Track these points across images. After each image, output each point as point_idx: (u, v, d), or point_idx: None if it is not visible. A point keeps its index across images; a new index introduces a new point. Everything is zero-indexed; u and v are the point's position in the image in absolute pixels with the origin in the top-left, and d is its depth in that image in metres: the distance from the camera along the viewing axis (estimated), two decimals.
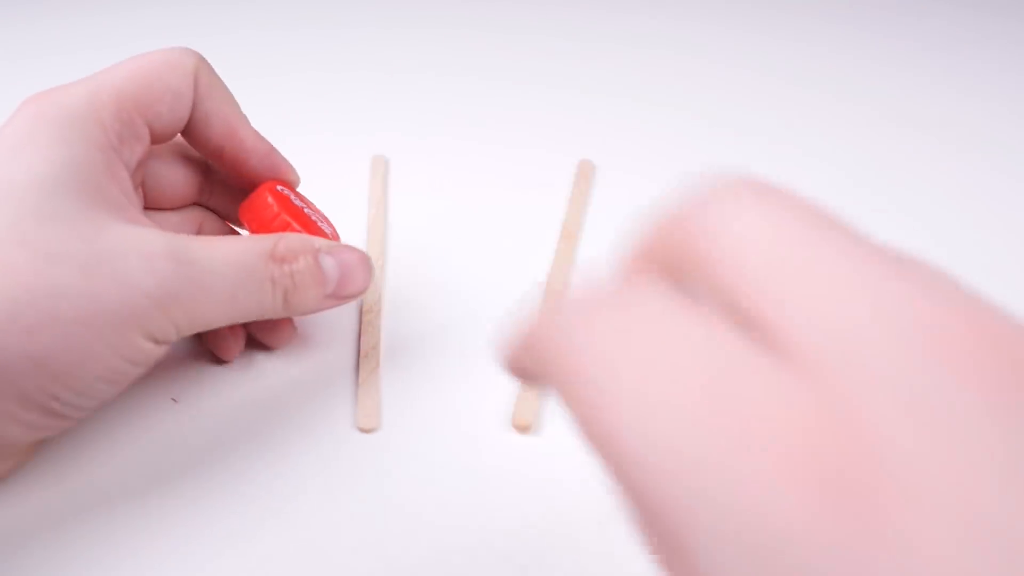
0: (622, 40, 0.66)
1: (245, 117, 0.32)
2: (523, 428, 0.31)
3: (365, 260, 0.31)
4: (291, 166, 0.32)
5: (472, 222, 0.43)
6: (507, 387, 0.33)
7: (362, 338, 0.35)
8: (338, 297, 0.30)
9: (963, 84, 0.62)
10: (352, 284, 0.30)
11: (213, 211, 0.34)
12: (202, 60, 0.30)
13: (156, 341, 0.26)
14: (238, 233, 0.35)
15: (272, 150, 0.32)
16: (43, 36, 0.61)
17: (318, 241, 0.29)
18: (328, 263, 0.29)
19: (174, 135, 0.30)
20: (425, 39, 0.65)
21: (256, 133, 0.32)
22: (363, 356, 0.34)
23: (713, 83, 0.60)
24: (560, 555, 0.27)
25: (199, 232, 0.33)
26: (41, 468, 0.29)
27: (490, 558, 0.27)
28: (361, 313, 0.36)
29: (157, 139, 0.29)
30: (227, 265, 0.26)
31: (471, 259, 0.40)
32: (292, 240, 0.28)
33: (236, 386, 0.33)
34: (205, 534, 0.27)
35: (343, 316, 0.36)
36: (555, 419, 0.32)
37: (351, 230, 0.40)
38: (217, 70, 0.30)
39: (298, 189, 0.33)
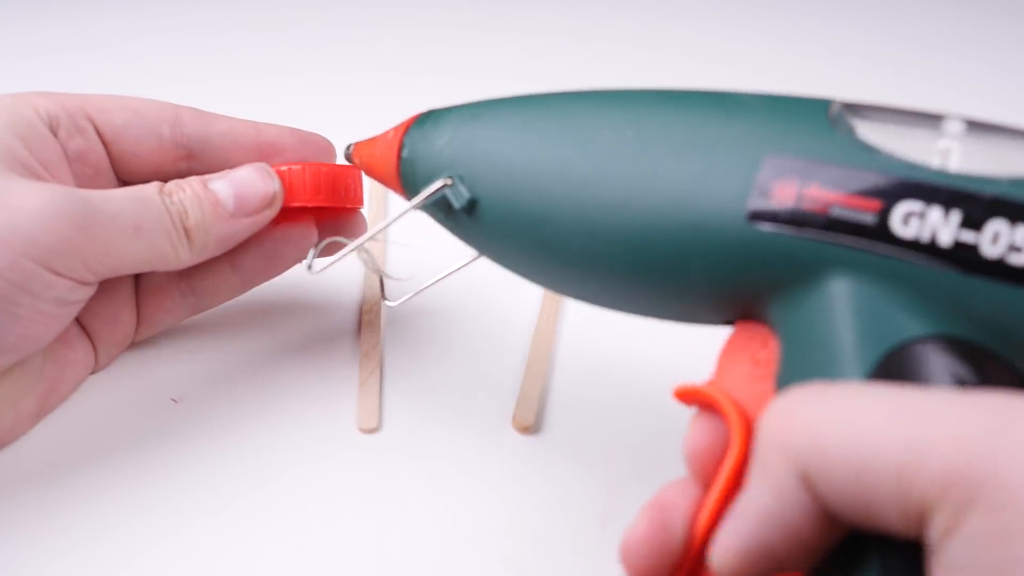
0: (622, 40, 0.66)
1: (255, 123, 0.32)
2: (523, 428, 0.31)
3: (259, 168, 0.30)
4: (318, 137, 0.33)
5: None
6: (507, 387, 0.33)
7: (362, 338, 0.35)
8: (246, 214, 0.29)
9: (963, 84, 0.62)
10: (252, 196, 0.29)
11: None
12: (180, 106, 0.31)
13: (70, 279, 0.26)
14: None
15: (296, 132, 0.32)
16: (43, 36, 0.62)
17: (213, 175, 0.30)
18: (218, 186, 0.29)
19: (150, 154, 0.30)
20: (425, 39, 0.65)
21: (278, 127, 0.32)
22: (363, 356, 0.34)
23: (713, 83, 0.60)
24: (560, 555, 0.27)
25: None
26: (39, 467, 0.29)
27: (490, 558, 0.27)
28: (361, 313, 0.36)
29: (120, 152, 0.30)
30: (123, 198, 0.27)
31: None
32: (184, 180, 0.29)
33: (236, 386, 0.33)
34: (205, 534, 0.27)
35: (343, 316, 0.36)
36: (555, 419, 0.32)
37: None
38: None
39: None
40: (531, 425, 0.32)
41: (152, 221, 0.27)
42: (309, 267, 0.30)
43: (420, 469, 0.30)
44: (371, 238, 0.30)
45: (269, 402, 0.32)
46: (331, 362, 0.34)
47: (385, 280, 0.34)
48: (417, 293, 0.32)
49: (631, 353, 0.35)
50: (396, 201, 0.44)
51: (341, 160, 0.33)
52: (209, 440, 0.30)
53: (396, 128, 0.28)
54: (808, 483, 0.17)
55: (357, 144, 0.30)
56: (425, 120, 0.27)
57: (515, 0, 0.72)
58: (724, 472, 0.20)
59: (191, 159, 0.31)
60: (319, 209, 0.33)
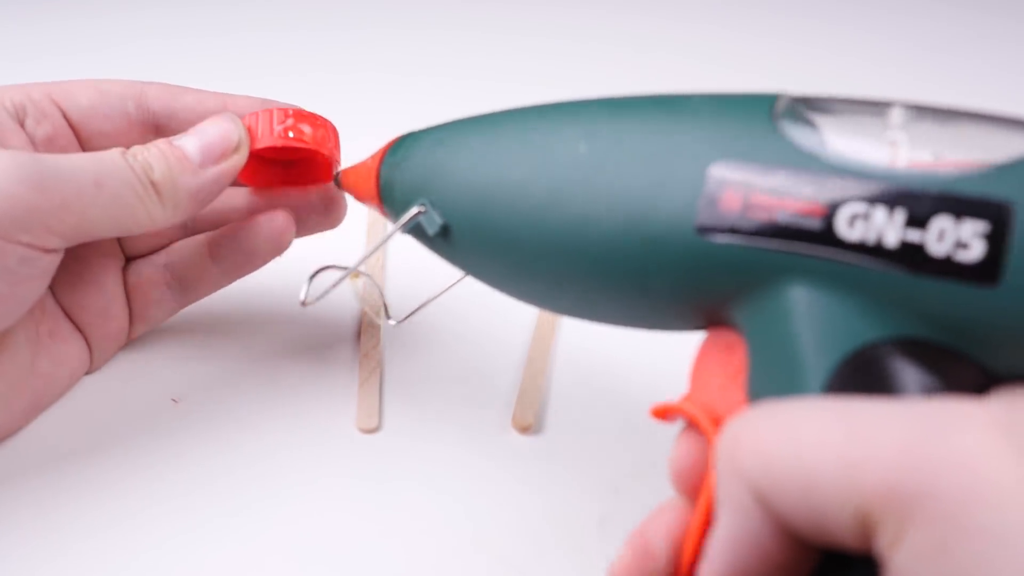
0: (622, 40, 0.66)
1: (223, 94, 0.31)
2: (523, 428, 0.31)
3: (221, 116, 0.30)
4: (290, 107, 0.32)
5: None
6: (507, 387, 0.33)
7: (362, 338, 0.35)
8: (213, 161, 0.29)
9: (963, 84, 0.62)
10: (216, 142, 0.29)
11: None
12: (147, 82, 0.31)
13: (30, 245, 0.25)
14: None
15: (266, 103, 0.32)
16: (43, 36, 0.62)
17: (179, 134, 0.29)
18: (183, 141, 0.29)
19: (118, 132, 0.30)
20: (425, 39, 0.65)
21: (246, 98, 0.32)
22: (363, 356, 0.34)
23: (713, 84, 0.60)
24: (560, 555, 0.27)
25: None
26: (38, 466, 0.29)
27: (490, 558, 0.27)
28: (361, 314, 0.36)
29: (89, 133, 0.30)
30: (81, 157, 0.27)
31: None
32: (150, 143, 0.29)
33: (236, 386, 0.33)
34: (205, 533, 0.27)
35: (343, 317, 0.36)
36: (555, 419, 0.32)
37: (351, 231, 0.40)
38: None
39: None
40: (531, 425, 0.32)
41: (113, 176, 0.27)
42: (303, 302, 0.30)
43: (420, 469, 0.30)
44: (362, 264, 0.30)
45: (269, 402, 0.32)
46: (331, 362, 0.34)
47: (385, 299, 0.34)
48: (414, 312, 0.32)
49: (631, 353, 0.35)
50: None
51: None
52: (209, 440, 0.30)
53: (374, 155, 0.29)
54: (765, 505, 0.17)
55: (343, 171, 0.30)
56: (399, 147, 0.28)
57: (515, 0, 0.72)
58: (707, 490, 0.20)
59: (159, 133, 0.31)
60: (292, 175, 0.33)
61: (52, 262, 0.27)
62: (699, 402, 0.21)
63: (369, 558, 0.27)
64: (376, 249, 0.29)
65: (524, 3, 0.72)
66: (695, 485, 0.21)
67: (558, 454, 0.31)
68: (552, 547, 0.28)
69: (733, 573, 0.17)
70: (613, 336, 0.36)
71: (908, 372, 0.18)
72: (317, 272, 0.31)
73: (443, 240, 0.26)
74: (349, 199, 0.33)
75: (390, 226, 0.30)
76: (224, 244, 0.32)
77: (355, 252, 0.41)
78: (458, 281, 0.31)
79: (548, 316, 0.37)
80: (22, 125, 0.29)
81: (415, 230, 0.27)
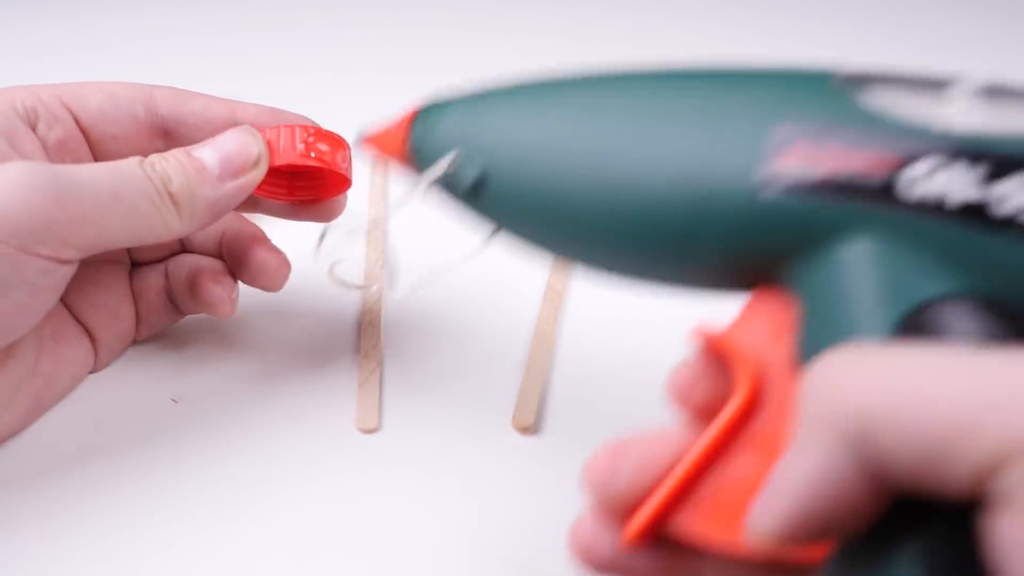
0: (622, 40, 0.66)
1: (231, 101, 0.31)
2: (523, 428, 0.31)
3: (242, 130, 0.29)
4: (298, 117, 0.32)
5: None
6: (507, 387, 0.33)
7: (362, 338, 0.35)
8: (232, 175, 0.29)
9: None
10: (236, 157, 0.29)
11: None
12: (155, 86, 0.31)
13: (48, 257, 0.25)
14: None
15: (275, 112, 0.32)
16: (43, 36, 0.62)
17: (197, 144, 0.29)
18: (202, 152, 0.29)
19: (127, 136, 0.30)
20: (425, 39, 0.65)
21: (256, 106, 0.31)
22: (363, 356, 0.34)
23: None
24: (560, 555, 0.27)
25: None
26: (38, 466, 0.29)
27: (490, 558, 0.27)
28: (362, 313, 0.36)
29: (99, 136, 0.30)
30: (98, 168, 0.27)
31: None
32: (168, 152, 0.28)
33: (236, 386, 0.33)
34: (205, 534, 0.27)
35: (343, 316, 0.36)
36: (555, 419, 0.32)
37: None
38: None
39: None
40: (531, 425, 0.32)
41: (131, 187, 0.27)
42: (318, 255, 0.30)
43: (420, 469, 0.30)
44: (369, 222, 0.30)
45: (269, 402, 0.32)
46: (331, 362, 0.34)
47: (390, 271, 0.33)
48: (419, 288, 0.31)
49: (631, 353, 0.35)
50: (397, 192, 0.44)
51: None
52: (209, 440, 0.30)
53: (406, 110, 0.28)
54: (862, 447, 0.17)
55: (370, 129, 0.30)
56: (433, 105, 0.28)
57: (515, 0, 0.72)
58: (721, 422, 0.20)
59: (168, 138, 0.31)
60: (298, 186, 0.33)
61: (68, 273, 0.27)
62: (741, 339, 0.22)
63: (369, 558, 0.27)
64: (404, 204, 0.29)
65: (524, 3, 0.72)
66: (692, 401, 0.22)
67: (558, 454, 0.31)
68: (552, 547, 0.28)
69: (803, 512, 0.17)
70: (613, 336, 0.36)
71: (970, 328, 0.18)
72: (326, 230, 0.31)
73: (478, 192, 0.26)
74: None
75: (390, 229, 0.29)
76: (191, 280, 0.32)
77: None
78: (470, 255, 0.29)
79: (549, 317, 0.37)
80: (34, 129, 0.29)
81: (444, 184, 0.26)
